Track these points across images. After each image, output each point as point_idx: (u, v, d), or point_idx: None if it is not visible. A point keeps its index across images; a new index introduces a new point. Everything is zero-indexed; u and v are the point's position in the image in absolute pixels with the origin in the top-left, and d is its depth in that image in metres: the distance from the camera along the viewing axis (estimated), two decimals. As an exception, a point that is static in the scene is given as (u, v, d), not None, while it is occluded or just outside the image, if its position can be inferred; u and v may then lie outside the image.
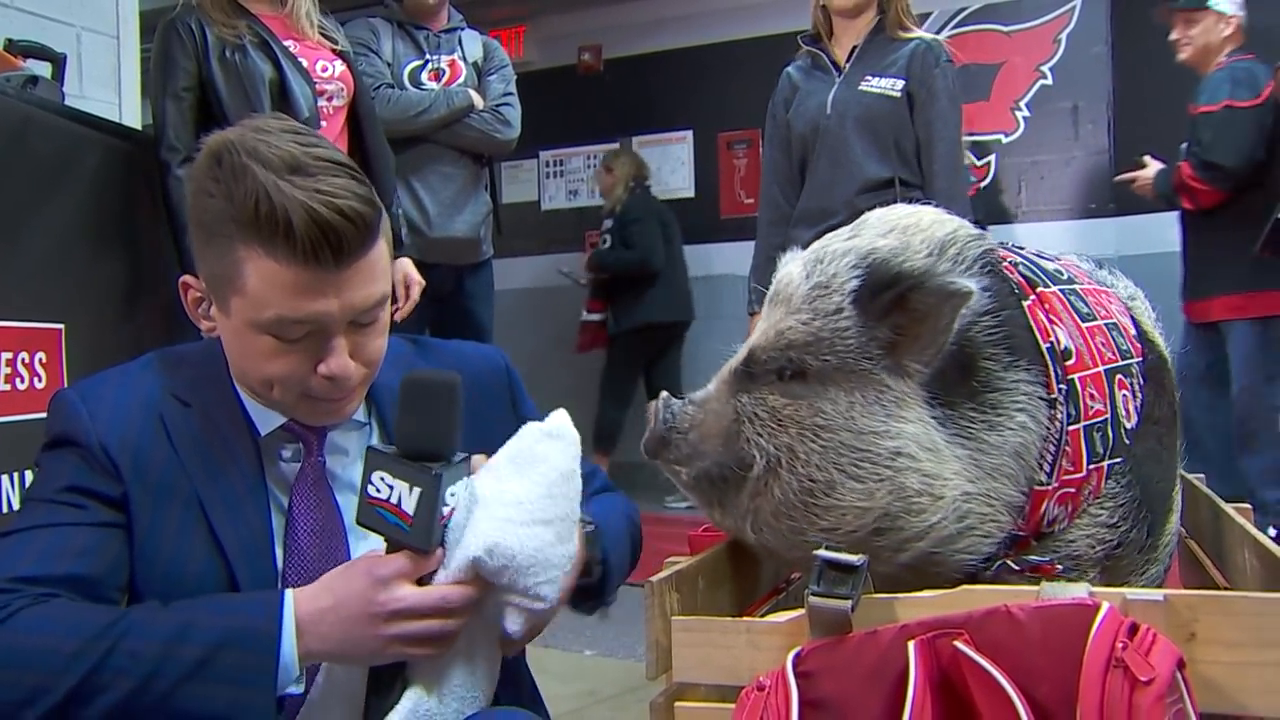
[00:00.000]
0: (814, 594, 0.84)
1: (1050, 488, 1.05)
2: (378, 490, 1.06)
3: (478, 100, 3.65)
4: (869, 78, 3.05)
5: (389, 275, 1.22)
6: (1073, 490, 1.05)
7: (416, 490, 1.05)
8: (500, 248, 3.81)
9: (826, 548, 0.87)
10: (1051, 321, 1.07)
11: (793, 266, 1.10)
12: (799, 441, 1.00)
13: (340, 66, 2.97)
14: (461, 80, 3.70)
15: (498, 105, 3.71)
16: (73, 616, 1.06)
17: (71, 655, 1.02)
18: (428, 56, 3.72)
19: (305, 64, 2.85)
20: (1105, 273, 1.36)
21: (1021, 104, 5.24)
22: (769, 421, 1.02)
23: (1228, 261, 3.80)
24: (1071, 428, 1.03)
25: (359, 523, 1.09)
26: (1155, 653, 0.72)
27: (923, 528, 0.98)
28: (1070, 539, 1.09)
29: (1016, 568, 1.05)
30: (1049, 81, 5.19)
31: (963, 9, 5.36)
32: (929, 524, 0.98)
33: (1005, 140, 5.25)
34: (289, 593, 1.10)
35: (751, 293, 3.20)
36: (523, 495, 1.08)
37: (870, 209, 2.88)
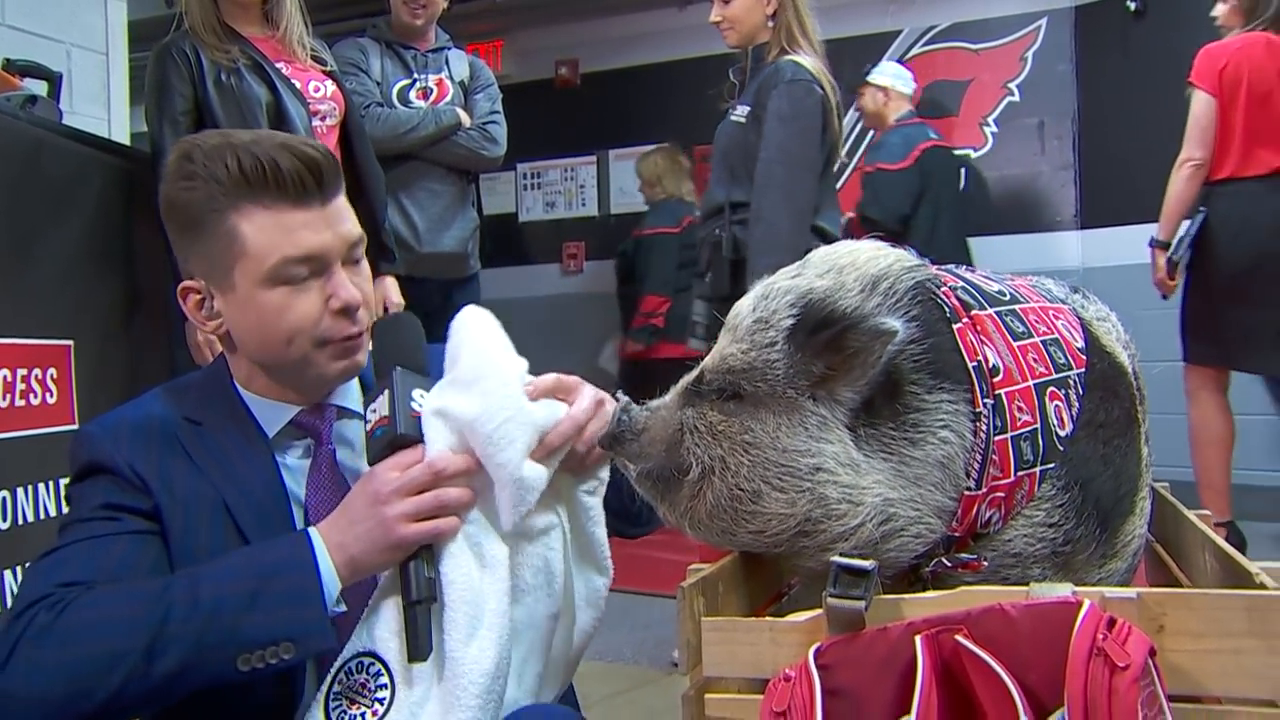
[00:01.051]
0: (831, 595, 0.95)
1: (980, 493, 1.16)
2: (367, 420, 1.24)
3: (465, 118, 3.73)
4: (737, 106, 3.14)
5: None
6: (1002, 494, 1.16)
7: (386, 391, 1.23)
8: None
9: (840, 555, 0.98)
10: (981, 342, 1.19)
11: (746, 300, 1.23)
12: (730, 454, 1.14)
13: (331, 87, 3.03)
14: (449, 99, 3.78)
15: (485, 123, 3.80)
16: (126, 588, 1.14)
17: (135, 617, 1.09)
18: (415, 76, 3.80)
19: (298, 85, 2.91)
20: (1080, 296, 1.44)
21: (989, 120, 5.38)
22: (706, 434, 1.16)
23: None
24: (998, 438, 1.15)
25: (401, 434, 1.20)
26: (1130, 643, 0.84)
27: (844, 530, 1.10)
28: (1007, 538, 1.19)
29: (949, 564, 1.17)
30: (1016, 98, 5.34)
31: (932, 27, 5.50)
32: (850, 527, 1.10)
33: (974, 155, 5.39)
34: (312, 529, 1.19)
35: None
36: (460, 370, 1.23)
37: (704, 236, 3.07)
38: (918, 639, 0.91)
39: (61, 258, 2.63)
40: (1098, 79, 5.17)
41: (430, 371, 1.30)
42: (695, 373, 1.22)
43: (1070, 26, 5.24)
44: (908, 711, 0.88)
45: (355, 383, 1.41)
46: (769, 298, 1.19)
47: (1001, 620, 0.91)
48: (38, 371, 2.48)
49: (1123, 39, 5.06)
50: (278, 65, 2.90)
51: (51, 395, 2.52)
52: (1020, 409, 1.16)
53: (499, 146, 3.80)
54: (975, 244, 5.22)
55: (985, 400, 1.15)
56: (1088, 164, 5.20)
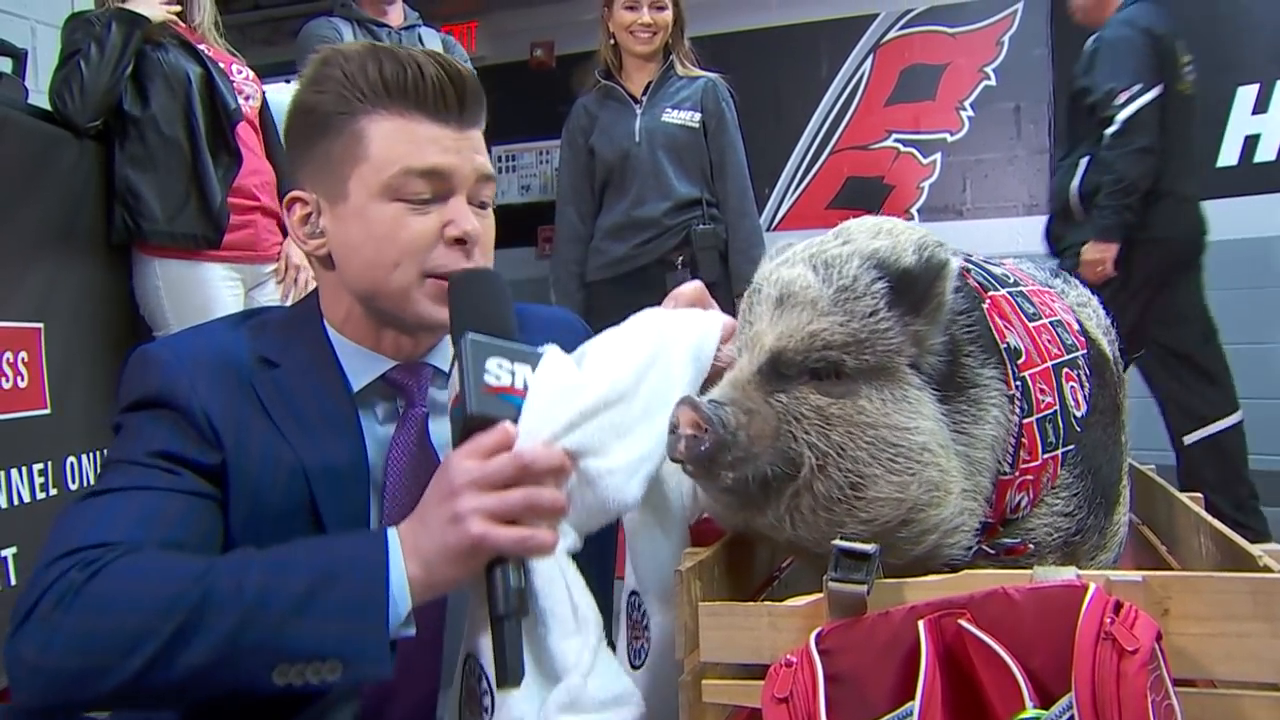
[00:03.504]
0: (832, 579, 0.93)
1: (1013, 477, 1.13)
2: (497, 378, 1.02)
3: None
4: (669, 110, 3.63)
5: None
6: (1032, 478, 1.13)
7: (457, 365, 1.03)
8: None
9: (842, 537, 0.96)
10: (1005, 324, 1.15)
11: (793, 270, 1.11)
12: (847, 438, 1.03)
13: (250, 71, 3.14)
14: (424, 79, 3.75)
15: (462, 101, 3.78)
16: (167, 561, 1.00)
17: (171, 596, 0.94)
18: (391, 54, 3.76)
19: (222, 66, 2.95)
20: (1060, 280, 1.43)
21: (966, 104, 5.38)
22: (816, 420, 1.04)
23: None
24: (1025, 421, 1.12)
25: (473, 414, 1.01)
26: (1138, 627, 0.82)
27: (937, 520, 1.05)
28: (1030, 526, 1.16)
29: (992, 551, 1.14)
30: (992, 82, 5.34)
31: (909, 10, 5.48)
32: (942, 517, 1.05)
33: (950, 139, 5.40)
34: (391, 529, 1.02)
35: (555, 304, 3.63)
36: (627, 379, 1.07)
37: (675, 224, 3.55)
38: (920, 623, 0.90)
39: (29, 239, 2.59)
40: (1072, 64, 5.16)
41: (522, 336, 1.10)
42: (763, 356, 1.07)
43: (1046, 11, 5.24)
44: (911, 697, 0.87)
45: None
46: (834, 265, 1.08)
47: (1005, 604, 0.90)
48: (8, 355, 2.44)
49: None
50: (199, 47, 2.93)
51: (23, 379, 2.48)
52: (1043, 391, 1.14)
53: (476, 125, 3.80)
54: (946, 229, 5.24)
55: (1015, 382, 1.13)
56: (1062, 148, 5.20)
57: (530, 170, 6.72)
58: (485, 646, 1.00)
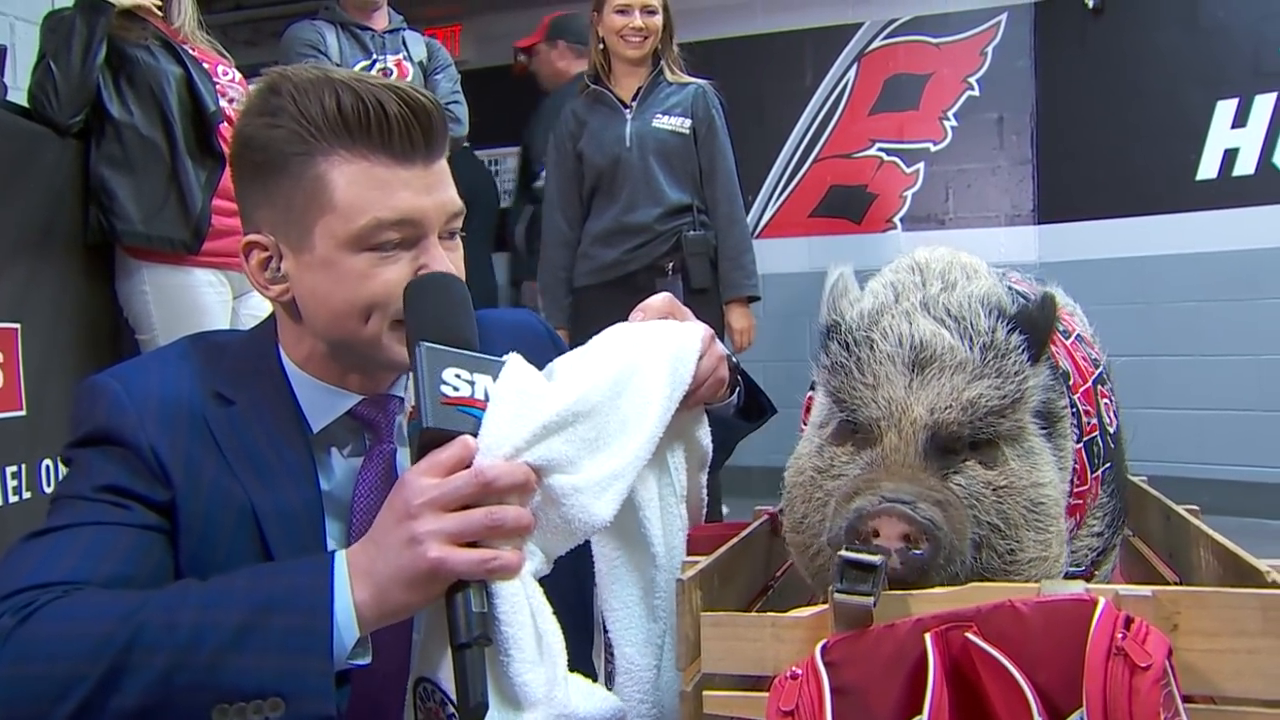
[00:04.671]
0: (839, 591, 0.91)
1: (1069, 503, 1.10)
2: (455, 389, 0.96)
3: (427, 100, 3.69)
4: (659, 116, 3.61)
5: None
6: (1080, 502, 1.12)
7: (485, 377, 0.97)
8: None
9: (847, 548, 0.95)
10: (1054, 345, 1.12)
11: (921, 326, 1.03)
12: (1012, 509, 0.99)
13: (238, 74, 3.08)
14: (409, 80, 3.73)
15: (447, 104, 3.75)
16: (101, 600, 0.95)
17: (100, 637, 0.89)
18: (375, 56, 3.74)
19: (206, 67, 2.92)
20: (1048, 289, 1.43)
21: (949, 114, 5.40)
22: (991, 498, 0.99)
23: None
24: (1077, 445, 1.10)
25: (428, 428, 0.95)
26: (1150, 642, 0.81)
27: (1057, 568, 1.02)
28: (1073, 549, 1.13)
29: None
30: (976, 93, 5.36)
31: (893, 20, 5.50)
32: (1060, 562, 1.02)
33: (934, 149, 5.41)
34: (339, 551, 0.97)
35: (543, 309, 3.71)
36: (603, 391, 1.02)
37: (666, 230, 3.51)
38: (927, 636, 0.89)
39: (7, 238, 2.55)
40: (1056, 75, 5.20)
41: (485, 347, 1.04)
42: (921, 432, 1.00)
43: (1029, 22, 5.27)
44: (918, 710, 0.85)
45: None
46: (964, 319, 1.02)
47: (1012, 617, 0.88)
48: (-15, 355, 2.40)
49: (1080, 36, 5.09)
50: (184, 47, 2.90)
51: (-1, 379, 2.44)
52: (1087, 412, 1.12)
53: (462, 126, 3.82)
54: (929, 238, 5.26)
55: (1070, 407, 1.10)
56: (1045, 159, 5.24)
57: (513, 175, 6.69)
58: (446, 674, 0.96)
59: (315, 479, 1.13)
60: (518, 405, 0.97)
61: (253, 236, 1.13)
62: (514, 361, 1.01)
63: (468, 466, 0.94)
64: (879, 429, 1.03)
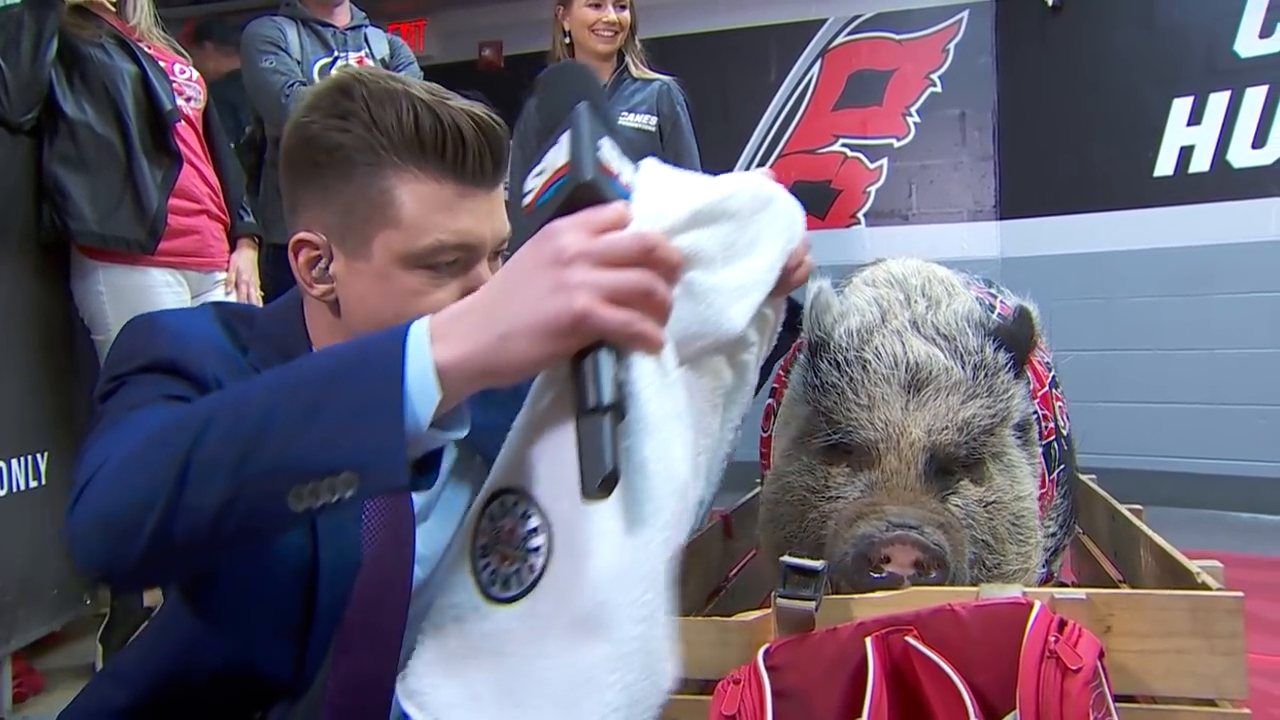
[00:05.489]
0: (781, 596, 0.93)
1: None
2: (531, 191, 0.90)
3: (390, 97, 3.68)
4: (625, 114, 3.55)
5: None
6: (1040, 506, 1.14)
7: (566, 132, 0.89)
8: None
9: (790, 554, 0.96)
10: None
11: (913, 346, 1.04)
12: (1000, 525, 1.01)
13: (195, 72, 3.05)
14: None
15: (406, 102, 3.75)
16: (176, 411, 0.91)
17: (175, 437, 0.86)
18: (337, 53, 3.70)
19: (163, 65, 2.89)
20: (993, 290, 1.42)
21: (912, 110, 5.43)
22: (984, 516, 1.01)
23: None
24: (1038, 448, 1.13)
25: (586, 181, 0.87)
26: (1081, 645, 0.84)
27: (1032, 579, 1.03)
28: None
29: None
30: (938, 89, 5.39)
31: (856, 16, 5.53)
32: (1035, 574, 1.04)
33: (897, 144, 5.45)
34: (425, 317, 0.88)
35: None
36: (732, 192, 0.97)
37: None
38: (868, 640, 0.90)
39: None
40: (1016, 72, 5.25)
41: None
42: (920, 454, 1.02)
43: (990, 20, 5.31)
44: (858, 714, 0.87)
45: None
46: (953, 339, 1.04)
47: (951, 621, 0.90)
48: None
49: (1040, 33, 5.14)
50: (139, 45, 2.88)
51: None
52: (1045, 416, 1.15)
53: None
54: (892, 234, 5.30)
55: (1034, 413, 1.12)
56: (1007, 155, 5.28)
57: (478, 170, 6.68)
58: (526, 459, 0.89)
59: None
60: (670, 188, 0.93)
61: (304, 235, 1.11)
62: (651, 161, 0.97)
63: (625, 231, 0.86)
64: (877, 451, 1.03)
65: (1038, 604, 0.87)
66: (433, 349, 0.85)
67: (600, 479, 0.78)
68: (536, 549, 0.88)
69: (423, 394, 0.84)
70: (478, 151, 1.05)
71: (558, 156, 0.88)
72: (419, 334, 0.86)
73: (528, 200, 0.89)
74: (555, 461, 0.89)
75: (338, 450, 0.83)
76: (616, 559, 0.83)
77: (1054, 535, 1.18)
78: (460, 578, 0.93)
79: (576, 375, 0.84)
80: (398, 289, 1.06)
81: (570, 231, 0.84)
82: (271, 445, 0.83)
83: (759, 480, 1.42)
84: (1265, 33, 4.49)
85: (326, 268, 1.10)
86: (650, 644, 0.83)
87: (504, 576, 0.90)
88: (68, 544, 0.90)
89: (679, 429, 0.87)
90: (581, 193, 0.85)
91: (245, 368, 1.08)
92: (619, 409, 0.82)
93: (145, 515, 0.84)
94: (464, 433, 0.92)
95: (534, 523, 0.89)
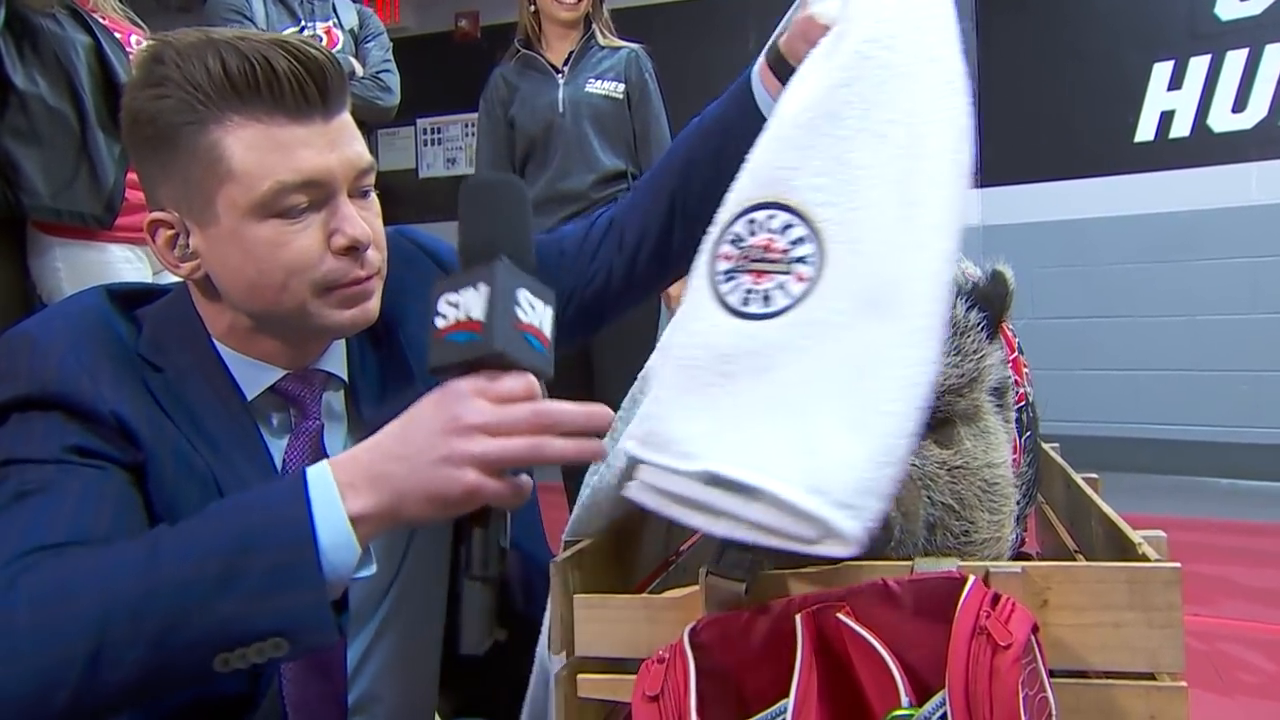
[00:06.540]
0: (711, 570, 0.90)
1: None
2: (444, 318, 0.87)
3: (358, 67, 3.62)
4: (592, 80, 3.55)
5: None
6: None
7: (484, 287, 0.86)
8: (377, 216, 3.83)
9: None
10: None
11: None
12: (965, 489, 0.98)
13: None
14: (339, 47, 3.65)
15: (378, 72, 3.70)
16: (77, 565, 0.87)
17: (81, 615, 0.83)
18: (304, 23, 3.65)
19: (119, 37, 2.83)
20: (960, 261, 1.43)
21: (892, 78, 5.39)
22: (946, 479, 0.97)
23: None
24: (1013, 414, 1.10)
25: (431, 372, 0.89)
26: (1013, 621, 0.81)
27: (1007, 548, 1.00)
28: None
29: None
30: (918, 56, 5.34)
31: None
32: (1009, 542, 1.00)
33: (877, 113, 5.40)
34: (321, 463, 0.90)
35: None
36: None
37: (601, 197, 3.54)
38: (798, 617, 0.87)
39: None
40: (996, 37, 5.20)
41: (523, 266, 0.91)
42: None
43: (971, -12, 5.26)
44: (787, 693, 0.84)
45: (341, 345, 1.16)
46: None
47: (884, 596, 0.87)
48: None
49: (1022, -2, 5.10)
50: (93, 16, 2.80)
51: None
52: (1016, 382, 1.12)
53: (393, 95, 3.74)
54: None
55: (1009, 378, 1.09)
56: (988, 122, 5.24)
57: (456, 143, 6.62)
58: (813, 172, 0.89)
59: (266, 450, 1.09)
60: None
61: (156, 215, 1.08)
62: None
63: (516, 392, 0.88)
64: None
65: (971, 579, 0.84)
66: (345, 503, 0.87)
67: (476, 643, 0.86)
68: (803, 259, 0.87)
69: (341, 548, 0.86)
70: (294, 79, 1.00)
71: (473, 305, 0.86)
72: (323, 484, 0.87)
73: (440, 325, 0.88)
74: (814, 172, 0.89)
75: (261, 619, 0.84)
76: (899, 243, 0.85)
77: (1019, 503, 1.15)
78: (702, 306, 0.90)
79: (462, 541, 0.89)
80: (254, 244, 1.02)
81: (471, 400, 0.86)
82: (191, 617, 0.83)
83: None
84: (1246, -6, 4.45)
85: (187, 244, 1.07)
86: (936, 330, 0.83)
87: (764, 293, 0.88)
88: None
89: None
90: (491, 360, 0.87)
91: (140, 378, 1.04)
92: (499, 578, 0.87)
93: (55, 693, 0.83)
94: (373, 569, 0.94)
95: (798, 232, 0.88)
